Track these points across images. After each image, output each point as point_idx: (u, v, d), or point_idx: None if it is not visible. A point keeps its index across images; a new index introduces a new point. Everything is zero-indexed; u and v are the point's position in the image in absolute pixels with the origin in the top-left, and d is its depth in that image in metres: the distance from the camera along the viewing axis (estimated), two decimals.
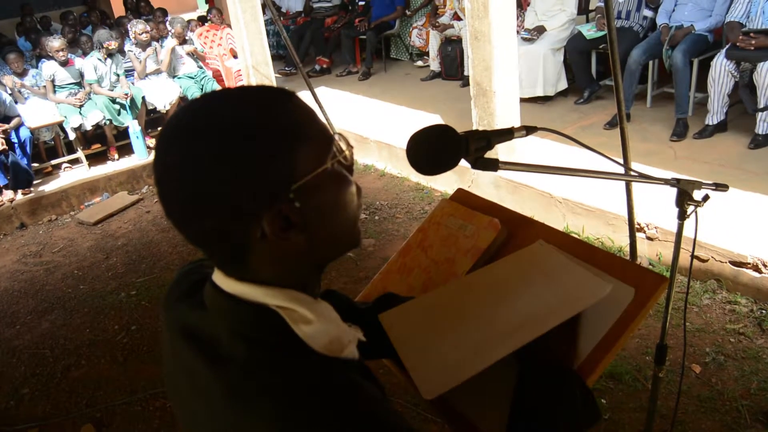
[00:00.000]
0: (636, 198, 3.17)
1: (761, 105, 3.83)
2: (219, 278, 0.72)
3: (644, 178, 1.30)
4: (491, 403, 0.93)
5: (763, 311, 2.92)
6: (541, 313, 0.91)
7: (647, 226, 3.40)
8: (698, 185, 1.37)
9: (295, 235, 0.66)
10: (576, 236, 1.05)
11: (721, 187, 1.45)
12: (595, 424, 0.89)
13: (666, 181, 1.32)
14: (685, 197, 1.36)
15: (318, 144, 0.67)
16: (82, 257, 4.72)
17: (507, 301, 0.98)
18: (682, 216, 1.39)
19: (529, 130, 1.04)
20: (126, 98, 6.08)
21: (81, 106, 5.92)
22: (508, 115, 4.19)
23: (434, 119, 5.65)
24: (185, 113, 0.67)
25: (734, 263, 3.03)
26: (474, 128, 4.27)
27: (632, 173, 1.24)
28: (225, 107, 0.66)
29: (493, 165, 0.97)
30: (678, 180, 1.34)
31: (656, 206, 3.37)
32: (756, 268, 2.95)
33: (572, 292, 0.93)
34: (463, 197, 1.34)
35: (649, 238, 3.42)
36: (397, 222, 4.51)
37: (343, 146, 0.72)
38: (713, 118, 4.22)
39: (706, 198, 1.36)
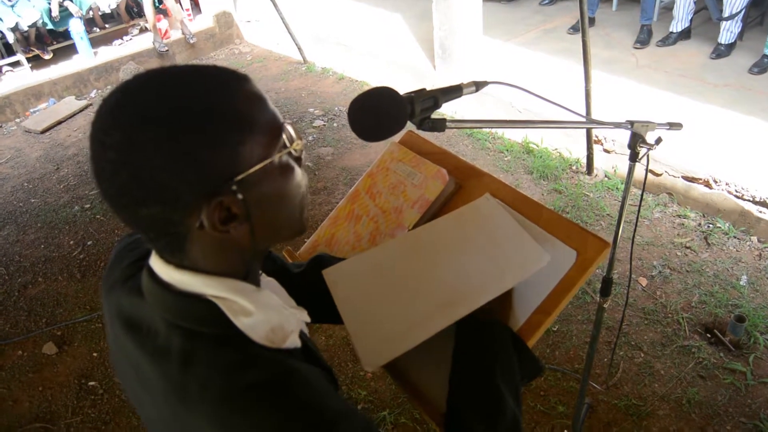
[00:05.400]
0: (595, 111, 3.16)
1: (726, 14, 3.76)
2: (157, 264, 0.70)
3: (598, 123, 1.27)
4: (435, 371, 0.94)
5: (710, 225, 3.02)
6: (479, 284, 0.91)
7: (605, 138, 3.40)
8: (652, 126, 1.35)
9: (236, 226, 0.65)
10: (527, 196, 1.03)
11: (675, 126, 1.44)
12: (538, 376, 0.91)
13: (618, 125, 1.30)
14: (637, 140, 1.34)
15: (266, 135, 0.65)
16: (31, 168, 4.55)
17: (450, 265, 0.97)
18: (634, 158, 1.38)
19: (478, 85, 0.99)
20: (56, 19, 5.64)
21: (13, 5, 5.48)
22: (469, 19, 4.06)
23: (395, 19, 5.43)
24: (129, 92, 0.62)
25: (687, 178, 3.08)
26: (435, 31, 4.14)
27: (586, 119, 1.22)
28: (172, 90, 0.61)
29: (440, 125, 0.93)
30: (632, 123, 1.32)
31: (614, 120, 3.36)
32: (707, 184, 3.01)
33: (512, 262, 0.93)
34: (412, 141, 1.29)
35: (606, 151, 3.44)
36: None
37: (294, 135, 0.69)
38: (678, 26, 4.15)
39: (658, 141, 1.34)
